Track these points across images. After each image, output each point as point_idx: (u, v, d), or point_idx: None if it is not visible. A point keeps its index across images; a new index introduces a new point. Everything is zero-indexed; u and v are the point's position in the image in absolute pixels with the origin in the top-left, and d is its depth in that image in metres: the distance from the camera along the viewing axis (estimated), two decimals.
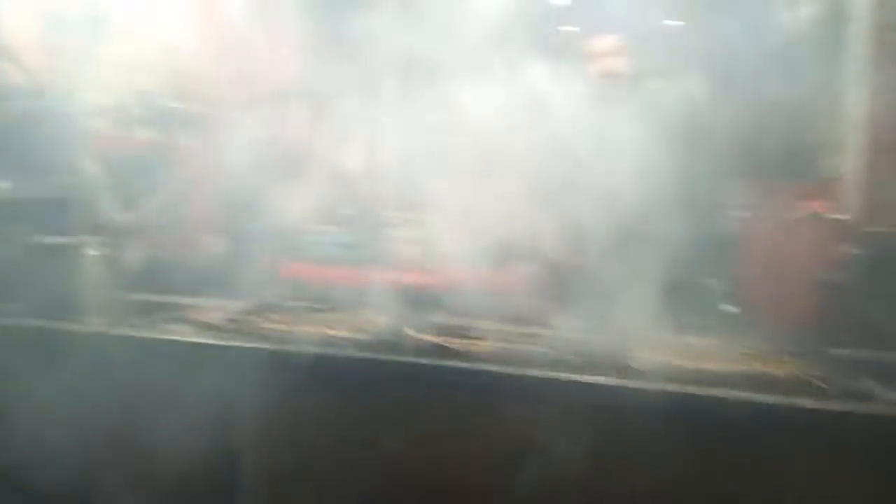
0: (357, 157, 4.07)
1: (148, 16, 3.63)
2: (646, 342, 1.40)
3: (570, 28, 2.93)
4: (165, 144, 3.64)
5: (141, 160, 3.17)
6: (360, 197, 3.45)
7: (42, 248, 1.60)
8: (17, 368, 1.36)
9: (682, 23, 2.60)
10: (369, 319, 1.42)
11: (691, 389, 1.17)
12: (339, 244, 2.58)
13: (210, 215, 2.80)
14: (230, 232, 2.60)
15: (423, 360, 1.20)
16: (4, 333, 1.40)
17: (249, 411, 1.21)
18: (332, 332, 1.37)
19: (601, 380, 1.17)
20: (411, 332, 1.33)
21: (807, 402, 1.14)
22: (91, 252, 1.49)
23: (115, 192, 2.80)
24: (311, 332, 1.36)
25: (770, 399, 1.15)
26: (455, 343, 1.29)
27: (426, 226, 2.98)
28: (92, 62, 4.20)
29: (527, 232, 2.32)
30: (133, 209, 2.84)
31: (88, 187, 3.08)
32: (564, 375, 1.16)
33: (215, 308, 1.52)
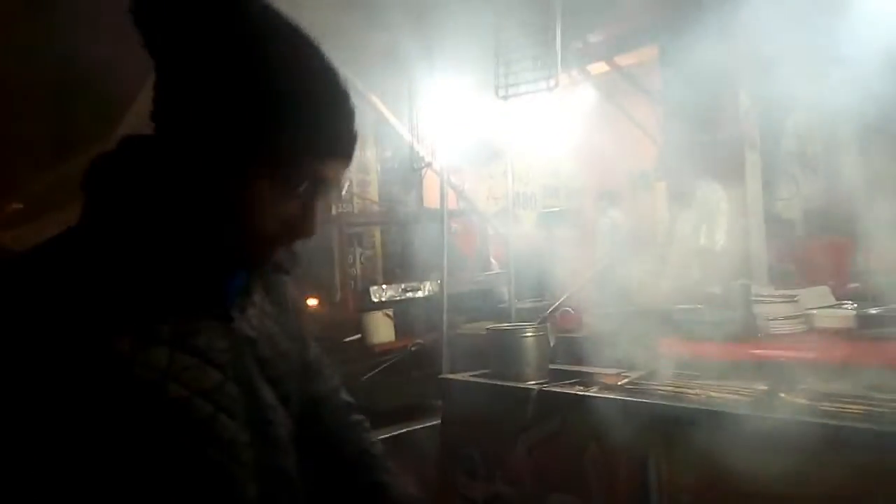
0: (721, 236, 4.27)
1: (525, 134, 4.51)
2: None
3: None
4: (548, 238, 4.40)
5: (532, 254, 3.93)
6: (726, 275, 3.62)
7: (493, 330, 2.31)
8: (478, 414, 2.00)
9: None
10: (745, 385, 1.68)
11: None
12: (709, 322, 2.82)
13: (592, 298, 3.31)
14: (611, 312, 3.05)
15: (798, 419, 1.42)
16: (476, 389, 2.08)
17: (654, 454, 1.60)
18: (713, 394, 1.67)
19: None
20: (784, 396, 1.55)
21: None
22: (528, 334, 2.11)
23: (515, 283, 3.56)
24: (695, 394, 1.70)
25: None
26: (826, 406, 1.47)
27: (800, 301, 3.02)
28: (490, 178, 5.31)
29: None
30: (531, 296, 3.57)
31: (496, 280, 3.97)
32: None
33: (614, 375, 1.98)
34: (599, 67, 4.59)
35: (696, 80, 4.00)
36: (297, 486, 0.91)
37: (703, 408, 1.58)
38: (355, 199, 4.96)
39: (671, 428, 1.57)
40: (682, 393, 1.69)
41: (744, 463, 1.35)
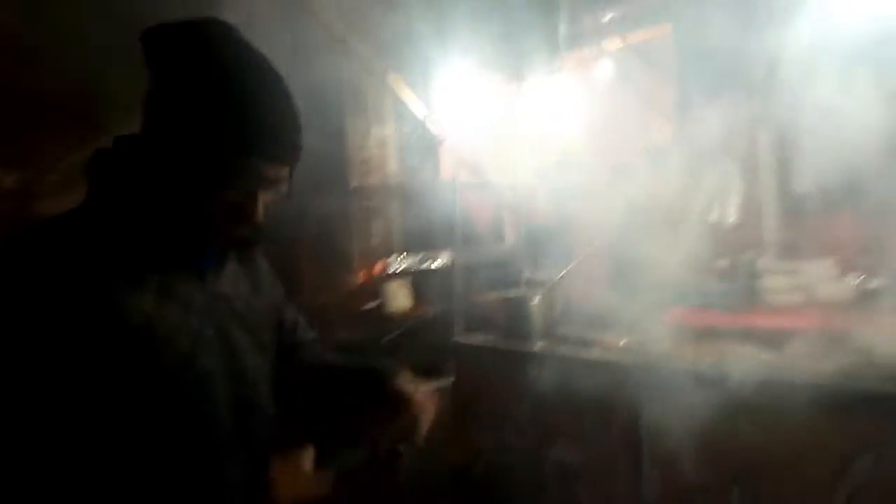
0: (733, 210, 4.34)
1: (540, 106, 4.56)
2: None
3: None
4: (562, 212, 4.49)
5: (545, 226, 4.03)
6: (734, 248, 3.72)
7: (502, 297, 2.46)
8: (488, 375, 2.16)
9: None
10: (734, 350, 1.82)
11: None
12: (713, 293, 2.93)
13: (601, 268, 3.43)
14: (619, 283, 3.16)
15: (774, 379, 1.56)
16: (487, 352, 2.24)
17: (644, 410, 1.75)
18: (701, 358, 1.82)
19: None
20: (766, 358, 1.68)
21: None
22: (533, 301, 2.26)
23: (527, 254, 3.69)
24: (684, 357, 1.84)
25: None
26: (798, 367, 1.60)
27: (802, 274, 3.11)
28: (504, 153, 5.38)
29: None
30: (544, 268, 3.69)
31: (509, 252, 4.09)
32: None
33: (615, 339, 2.11)
34: (613, 44, 4.62)
35: (709, 56, 4.03)
36: (268, 418, 1.10)
37: (688, 368, 1.72)
38: (374, 173, 5.09)
39: (660, 387, 1.72)
40: (671, 356, 1.83)
41: (725, 420, 1.50)
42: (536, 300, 2.25)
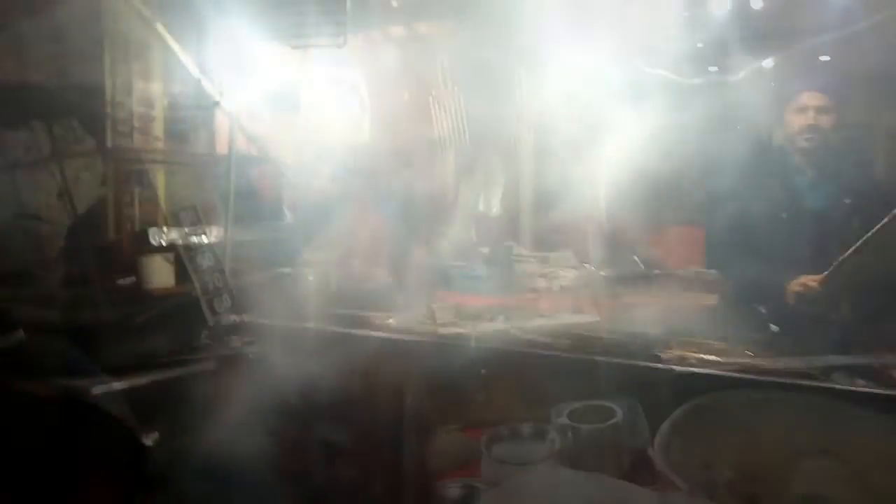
0: (496, 203, 4.73)
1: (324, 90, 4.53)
2: None
3: None
4: (343, 194, 4.51)
5: (325, 207, 4.02)
6: (495, 237, 4.07)
7: (279, 274, 2.41)
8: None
9: None
10: (488, 324, 2.03)
11: None
12: (476, 277, 3.20)
13: (377, 251, 3.53)
14: (392, 265, 3.29)
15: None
16: (256, 331, 2.18)
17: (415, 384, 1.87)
18: (458, 331, 1.99)
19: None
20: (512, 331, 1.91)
21: None
22: (309, 277, 2.25)
23: (306, 234, 3.65)
24: (442, 331, 2.00)
25: None
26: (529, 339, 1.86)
27: (549, 262, 3.53)
28: (290, 128, 5.23)
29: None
30: (320, 247, 3.68)
31: (288, 230, 4.00)
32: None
33: (387, 317, 2.20)
34: (399, 31, 4.74)
35: (484, 58, 4.33)
36: None
37: (444, 342, 1.89)
38: (136, 134, 4.57)
39: (419, 359, 1.85)
40: (431, 331, 1.98)
41: (471, 384, 1.67)
42: (310, 279, 2.25)
